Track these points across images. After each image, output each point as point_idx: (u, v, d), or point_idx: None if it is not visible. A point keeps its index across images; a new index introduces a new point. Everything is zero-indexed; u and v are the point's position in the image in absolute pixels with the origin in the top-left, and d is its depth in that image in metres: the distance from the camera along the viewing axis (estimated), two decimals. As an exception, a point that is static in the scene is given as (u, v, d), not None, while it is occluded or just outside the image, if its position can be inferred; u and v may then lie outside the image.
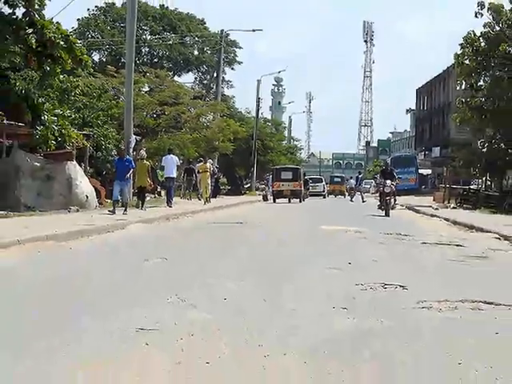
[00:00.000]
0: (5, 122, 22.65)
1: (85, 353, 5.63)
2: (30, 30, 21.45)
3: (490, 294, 8.70)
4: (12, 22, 21.38)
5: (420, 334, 6.52)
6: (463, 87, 47.44)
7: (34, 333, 6.38)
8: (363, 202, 50.99)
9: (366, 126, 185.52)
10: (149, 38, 73.27)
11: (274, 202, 50.04)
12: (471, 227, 22.40)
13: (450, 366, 5.46)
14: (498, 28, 37.16)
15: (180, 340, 6.07)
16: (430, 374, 5.25)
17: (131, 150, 28.68)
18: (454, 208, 38.25)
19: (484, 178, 48.53)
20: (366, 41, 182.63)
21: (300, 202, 50.52)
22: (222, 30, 64.03)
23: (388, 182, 30.27)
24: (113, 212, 23.09)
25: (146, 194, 29.26)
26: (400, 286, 9.46)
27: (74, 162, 25.36)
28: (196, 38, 76.09)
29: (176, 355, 5.53)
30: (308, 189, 61.20)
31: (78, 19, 71.21)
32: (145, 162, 28.36)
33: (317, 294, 8.75)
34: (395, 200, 32.25)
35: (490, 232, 19.92)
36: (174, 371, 5.11)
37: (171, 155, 33.09)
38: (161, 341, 6.06)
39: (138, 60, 55.27)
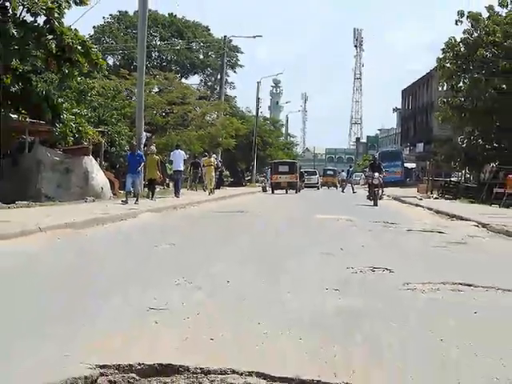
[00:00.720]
0: (27, 120, 22.66)
1: (101, 330, 5.65)
2: (50, 36, 21.46)
3: (469, 277, 8.71)
4: (34, 29, 21.39)
5: (405, 314, 6.54)
6: (444, 88, 47.45)
7: (56, 311, 6.41)
8: (353, 192, 51.02)
9: (356, 123, 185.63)
10: (158, 43, 73.14)
11: (273, 192, 50.01)
12: (452, 216, 22.41)
13: (432, 343, 5.48)
14: (476, 34, 37.25)
15: (187, 319, 6.08)
16: (414, 349, 5.26)
17: (142, 146, 28.66)
18: (436, 198, 38.23)
19: (463, 171, 48.62)
20: (356, 46, 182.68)
21: (296, 192, 50.52)
22: (225, 37, 63.96)
23: (376, 174, 30.29)
24: (125, 202, 23.10)
25: (156, 186, 29.24)
26: (387, 269, 9.47)
27: (91, 157, 25.37)
28: (201, 44, 76.01)
29: (183, 332, 5.55)
30: (303, 181, 61.26)
31: (94, 26, 71.19)
32: (154, 156, 28.33)
33: (311, 276, 8.76)
34: (382, 191, 32.28)
35: (469, 220, 19.93)
36: (181, 346, 5.13)
37: (179, 150, 33.10)
38: (169, 319, 6.08)
39: (149, 63, 55.18)
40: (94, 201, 23.44)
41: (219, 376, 4.46)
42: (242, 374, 4.47)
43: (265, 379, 4.39)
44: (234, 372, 4.50)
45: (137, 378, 4.48)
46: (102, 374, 4.45)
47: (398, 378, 4.39)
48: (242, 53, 77.72)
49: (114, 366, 4.58)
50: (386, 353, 5.11)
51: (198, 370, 4.55)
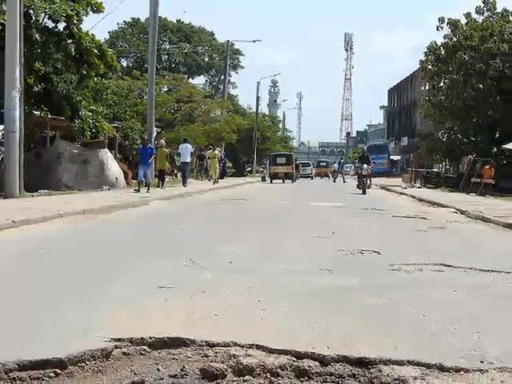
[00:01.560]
0: (49, 116, 22.64)
1: (115, 306, 5.64)
2: (70, 41, 21.47)
3: (448, 258, 8.72)
4: (55, 34, 21.40)
5: (390, 291, 6.53)
6: (426, 88, 47.57)
7: (74, 288, 6.40)
8: (344, 182, 51.00)
9: (346, 119, 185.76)
10: (167, 47, 73.07)
11: (271, 182, 50.03)
12: (433, 203, 22.42)
13: (415, 317, 5.47)
14: (455, 39, 37.23)
15: (193, 296, 6.08)
16: (398, 323, 5.26)
17: (153, 140, 28.62)
18: (419, 187, 38.24)
19: (444, 163, 48.74)
20: (346, 49, 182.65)
21: (292, 182, 50.51)
22: (228, 41, 63.91)
23: (365, 165, 30.29)
24: (138, 190, 23.13)
25: (165, 176, 29.26)
26: (375, 251, 9.46)
27: (106, 149, 25.38)
28: (206, 47, 75.98)
29: (190, 308, 5.55)
30: (299, 171, 61.27)
31: (109, 32, 71.06)
32: (164, 149, 28.35)
33: (306, 258, 8.76)
34: (370, 181, 32.25)
35: (449, 207, 19.95)
36: (187, 321, 5.12)
37: (186, 144, 33.11)
38: (177, 296, 6.06)
39: (159, 65, 54.96)
40: (109, 189, 23.44)
41: (223, 348, 4.45)
42: (243, 347, 4.46)
43: (264, 351, 4.38)
44: (236, 344, 4.50)
45: (148, 350, 4.48)
46: (116, 347, 4.44)
47: (386, 348, 4.38)
48: (243, 55, 77.66)
49: (128, 339, 4.57)
50: (373, 325, 5.11)
51: (204, 343, 4.55)
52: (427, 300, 6.20)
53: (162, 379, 3.93)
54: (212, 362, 4.22)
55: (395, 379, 3.93)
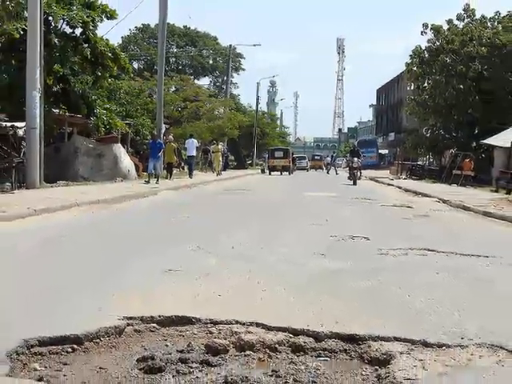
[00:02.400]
0: (67, 114, 22.63)
1: (127, 288, 5.64)
2: (86, 45, 21.50)
3: (432, 243, 8.72)
4: (72, 39, 21.41)
5: (378, 273, 6.53)
6: (412, 88, 47.42)
7: (90, 271, 6.40)
8: (336, 174, 50.91)
9: (338, 117, 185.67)
10: (175, 50, 72.92)
11: (270, 174, 49.89)
12: (418, 193, 22.43)
13: (401, 298, 5.47)
14: (438, 43, 37.22)
15: (199, 279, 6.08)
16: (386, 303, 5.26)
17: (162, 135, 28.58)
18: (405, 179, 38.19)
19: (427, 156, 48.76)
20: (338, 52, 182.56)
21: (289, 174, 50.39)
22: (230, 45, 63.63)
23: (355, 159, 30.25)
24: (148, 182, 23.15)
25: (173, 168, 29.25)
26: (364, 237, 9.46)
27: (119, 144, 25.35)
28: (211, 51, 75.83)
29: (195, 290, 5.55)
30: (295, 164, 61.13)
31: (122, 37, 70.96)
32: (172, 144, 28.31)
33: (301, 243, 8.75)
34: (361, 173, 32.27)
35: (432, 197, 19.95)
36: (193, 301, 5.13)
37: (192, 139, 33.09)
38: (184, 279, 6.06)
39: (167, 67, 54.88)
40: (121, 181, 23.42)
41: (225, 326, 4.46)
42: (244, 324, 4.47)
43: (263, 328, 4.39)
44: (237, 322, 4.50)
45: (157, 327, 4.48)
46: (128, 325, 4.45)
47: (375, 326, 4.38)
48: (244, 58, 77.53)
49: (139, 317, 4.57)
50: (363, 302, 5.11)
51: (208, 321, 4.55)
52: (412, 282, 6.20)
53: (170, 354, 3.93)
54: (216, 338, 4.22)
55: (383, 354, 3.94)
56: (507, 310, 5.14)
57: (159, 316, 4.61)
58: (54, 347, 3.94)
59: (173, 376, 3.56)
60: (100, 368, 3.69)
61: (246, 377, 3.52)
